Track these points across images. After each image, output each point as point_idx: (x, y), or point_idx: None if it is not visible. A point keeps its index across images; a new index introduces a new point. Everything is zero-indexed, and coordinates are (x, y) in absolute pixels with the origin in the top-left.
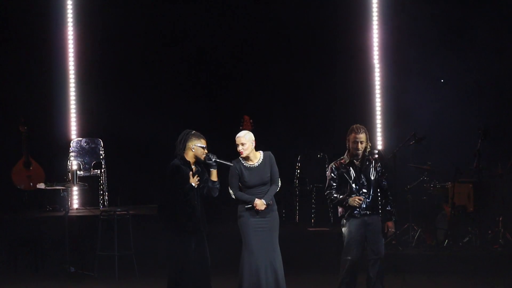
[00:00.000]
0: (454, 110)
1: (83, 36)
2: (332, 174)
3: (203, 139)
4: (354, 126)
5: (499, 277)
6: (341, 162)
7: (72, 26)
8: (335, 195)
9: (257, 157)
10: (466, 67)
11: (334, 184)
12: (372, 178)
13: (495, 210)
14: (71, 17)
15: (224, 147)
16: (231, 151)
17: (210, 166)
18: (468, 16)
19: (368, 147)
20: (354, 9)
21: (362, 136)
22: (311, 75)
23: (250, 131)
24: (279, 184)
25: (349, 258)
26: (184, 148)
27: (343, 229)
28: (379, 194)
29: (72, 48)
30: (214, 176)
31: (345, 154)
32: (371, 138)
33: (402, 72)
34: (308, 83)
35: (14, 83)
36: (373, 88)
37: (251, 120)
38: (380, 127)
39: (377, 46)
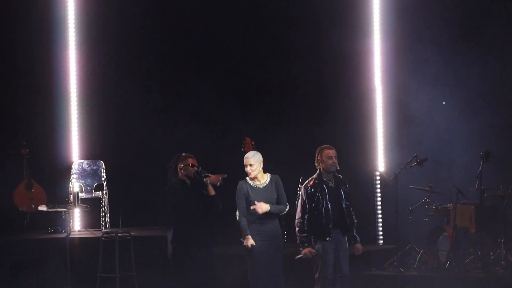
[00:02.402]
0: (456, 131)
1: (85, 58)
2: (307, 195)
3: (191, 158)
4: (321, 146)
5: None
6: (315, 182)
7: (74, 48)
8: (306, 229)
9: (265, 179)
10: (467, 90)
11: (307, 207)
12: (343, 197)
13: (497, 232)
14: (73, 39)
15: (227, 169)
16: (234, 173)
17: (203, 178)
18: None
19: (337, 166)
20: (356, 31)
21: (334, 152)
22: (313, 98)
23: None
24: (287, 207)
25: (328, 276)
26: (175, 172)
27: (317, 247)
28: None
29: (74, 70)
30: (211, 191)
31: (316, 175)
32: (373, 160)
33: (404, 94)
34: (309, 105)
35: (16, 105)
36: (374, 110)
37: (252, 142)
38: (382, 149)
39: (379, 68)
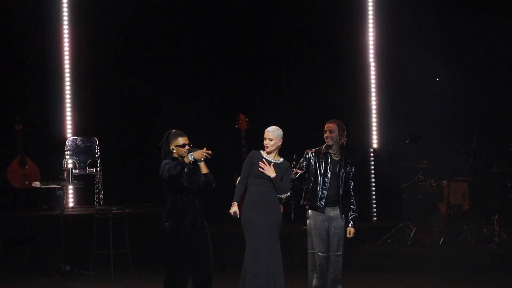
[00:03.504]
0: (450, 109)
1: (79, 34)
2: (305, 158)
3: (182, 136)
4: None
5: (494, 275)
6: (318, 150)
7: (67, 24)
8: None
9: (278, 159)
10: (461, 66)
11: (300, 171)
12: (346, 175)
13: (490, 208)
14: (67, 16)
15: (220, 144)
16: (227, 149)
17: (196, 161)
18: (464, 18)
19: (344, 141)
20: (350, 9)
21: (331, 126)
22: (307, 75)
23: (246, 129)
24: (289, 193)
25: (315, 251)
26: (169, 150)
27: (308, 221)
28: (345, 194)
29: (68, 46)
30: (203, 169)
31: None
32: (366, 137)
33: (398, 71)
34: (304, 82)
35: (9, 82)
36: (368, 87)
37: (246, 119)
38: (376, 126)
39: (373, 45)
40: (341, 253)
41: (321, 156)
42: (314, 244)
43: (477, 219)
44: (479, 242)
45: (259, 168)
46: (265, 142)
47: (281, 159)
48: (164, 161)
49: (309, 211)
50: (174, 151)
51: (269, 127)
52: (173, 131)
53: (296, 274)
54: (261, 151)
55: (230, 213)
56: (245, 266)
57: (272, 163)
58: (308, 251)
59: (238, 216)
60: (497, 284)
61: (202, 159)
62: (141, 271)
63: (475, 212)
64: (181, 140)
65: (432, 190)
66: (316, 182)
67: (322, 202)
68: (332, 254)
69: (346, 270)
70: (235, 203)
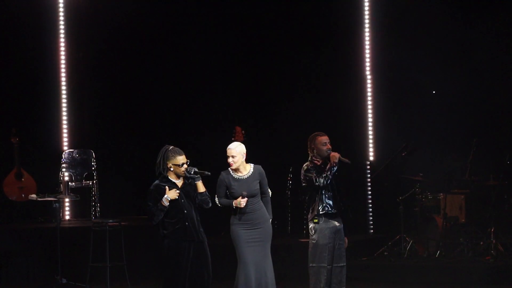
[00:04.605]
0: (446, 121)
1: (75, 46)
2: (315, 169)
3: (179, 155)
4: (314, 133)
5: None
6: (315, 164)
7: (64, 36)
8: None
9: (247, 170)
10: (459, 77)
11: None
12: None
13: (487, 221)
14: (63, 28)
15: (216, 158)
16: (223, 162)
17: (193, 179)
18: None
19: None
20: (346, 20)
21: (326, 138)
22: (303, 86)
23: (242, 142)
24: (270, 193)
25: (325, 265)
26: (165, 168)
27: (315, 236)
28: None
29: (64, 59)
30: (200, 188)
31: (309, 162)
32: (363, 149)
33: (394, 83)
34: (301, 94)
35: (5, 94)
36: (365, 99)
37: (243, 131)
38: (372, 138)
39: (369, 57)
40: (345, 264)
41: (323, 168)
42: (321, 256)
43: (474, 232)
44: (475, 254)
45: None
46: (229, 160)
47: (250, 167)
48: (152, 189)
49: (315, 224)
50: (172, 169)
51: (230, 145)
52: (171, 147)
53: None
54: (229, 169)
55: (239, 205)
56: (237, 280)
57: (245, 178)
58: (313, 265)
59: (246, 195)
60: None
61: (177, 196)
62: (137, 284)
63: (471, 224)
64: (180, 160)
65: (428, 202)
66: (330, 195)
67: (336, 209)
68: (336, 265)
69: None
70: (235, 200)
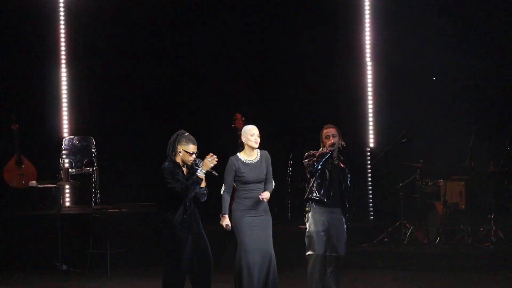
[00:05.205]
0: (446, 108)
1: (76, 34)
2: (306, 159)
3: (193, 143)
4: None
5: (491, 274)
6: (314, 152)
7: (64, 24)
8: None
9: (255, 154)
10: (459, 64)
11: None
12: (345, 178)
13: (487, 207)
14: (63, 15)
15: (216, 144)
16: (223, 149)
17: (196, 172)
18: (462, 16)
19: (340, 144)
20: (347, 8)
21: (332, 130)
22: (303, 73)
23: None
24: (273, 183)
25: (317, 253)
26: (174, 151)
27: (308, 223)
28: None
29: (64, 45)
30: (202, 183)
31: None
32: (363, 136)
33: (395, 70)
34: (301, 81)
35: (6, 81)
36: (365, 86)
37: (243, 118)
38: (372, 125)
39: (369, 44)
40: (341, 254)
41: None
42: (313, 244)
43: (474, 218)
44: (475, 241)
45: (263, 198)
46: (254, 138)
47: (258, 152)
48: (167, 168)
49: (309, 213)
50: (181, 154)
51: (253, 126)
52: (186, 133)
53: (294, 274)
54: (238, 154)
55: (221, 225)
56: (238, 266)
57: (254, 163)
58: (307, 253)
59: (230, 228)
60: (494, 283)
61: (212, 165)
62: (137, 270)
63: (471, 211)
64: (192, 148)
65: (428, 189)
66: (319, 183)
67: (325, 198)
68: (331, 254)
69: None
70: (226, 216)
